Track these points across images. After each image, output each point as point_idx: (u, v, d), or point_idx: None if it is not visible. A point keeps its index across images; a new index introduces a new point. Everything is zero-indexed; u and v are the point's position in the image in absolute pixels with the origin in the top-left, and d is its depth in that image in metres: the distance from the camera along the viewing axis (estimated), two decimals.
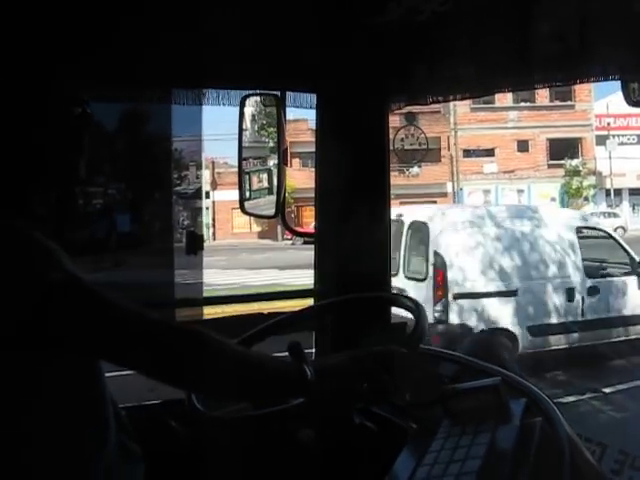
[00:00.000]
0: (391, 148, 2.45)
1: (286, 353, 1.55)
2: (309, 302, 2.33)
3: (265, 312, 2.27)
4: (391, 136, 2.47)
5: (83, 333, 1.30)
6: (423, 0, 1.86)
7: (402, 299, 1.89)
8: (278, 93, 2.32)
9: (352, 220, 2.34)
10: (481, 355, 1.86)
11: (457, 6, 1.90)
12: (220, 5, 2.07)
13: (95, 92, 1.97)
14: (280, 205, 2.36)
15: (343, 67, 2.23)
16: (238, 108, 2.31)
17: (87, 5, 1.81)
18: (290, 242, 22.50)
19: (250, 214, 2.46)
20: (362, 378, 1.46)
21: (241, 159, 2.47)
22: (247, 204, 2.45)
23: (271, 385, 1.44)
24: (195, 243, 2.19)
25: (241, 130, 2.44)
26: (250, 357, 1.44)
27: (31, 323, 1.25)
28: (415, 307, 1.77)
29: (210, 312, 2.46)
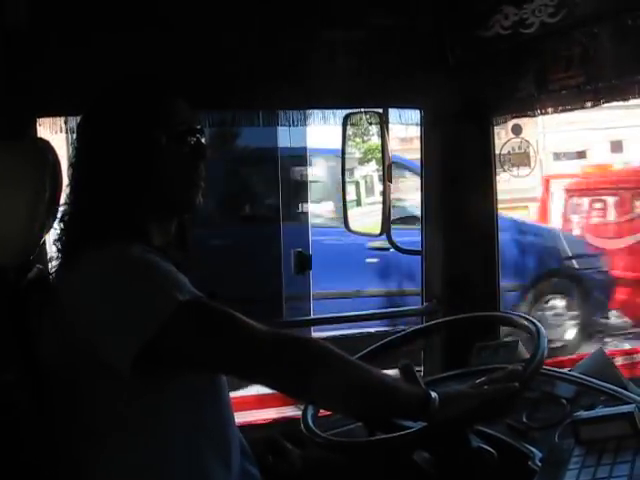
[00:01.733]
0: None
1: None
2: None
3: (372, 330, 2.28)
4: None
5: (213, 350, 1.32)
6: (531, 12, 1.82)
7: (518, 318, 1.82)
8: (380, 110, 2.32)
9: (459, 236, 2.32)
10: (599, 376, 1.79)
11: (567, 17, 1.85)
12: (325, 27, 2.09)
13: (206, 118, 2.03)
14: (386, 223, 2.35)
15: (448, 82, 2.21)
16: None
17: (199, 36, 1.87)
18: None
19: (355, 232, 2.46)
20: (486, 406, 1.43)
21: (344, 178, 2.47)
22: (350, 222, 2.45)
23: (395, 406, 1.42)
24: (303, 263, 2.19)
25: (344, 148, 2.44)
26: (376, 376, 1.41)
27: (161, 343, 1.27)
28: (534, 328, 1.71)
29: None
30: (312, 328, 2.50)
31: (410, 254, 2.47)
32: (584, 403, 1.68)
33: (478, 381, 1.50)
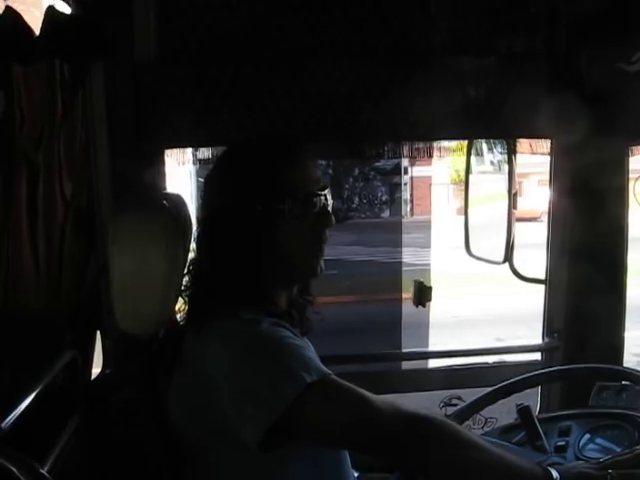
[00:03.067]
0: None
1: None
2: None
3: (491, 362, 2.24)
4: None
5: (339, 429, 1.34)
6: None
7: None
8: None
9: (586, 269, 2.23)
10: None
11: None
12: (454, 53, 2.04)
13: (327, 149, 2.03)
14: (509, 250, 2.30)
15: (582, 111, 2.11)
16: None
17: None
18: None
19: (477, 258, 2.41)
20: None
21: (467, 200, 2.43)
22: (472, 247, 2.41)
23: None
24: (424, 294, 2.17)
25: (468, 172, 2.40)
26: (498, 457, 1.38)
27: (288, 422, 1.30)
28: None
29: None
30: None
31: (533, 282, 2.40)
32: None
33: (603, 460, 1.43)
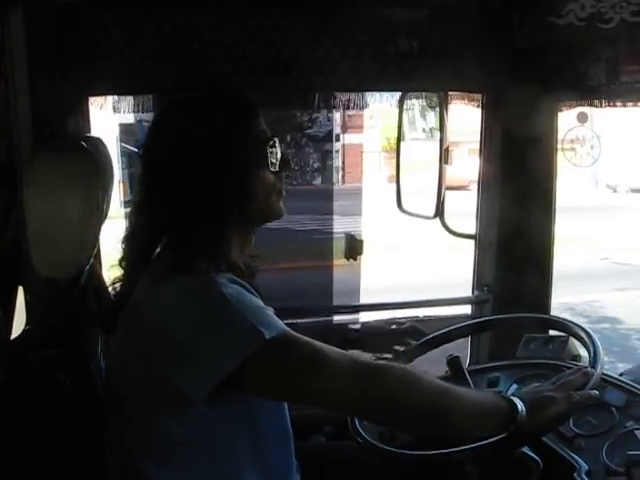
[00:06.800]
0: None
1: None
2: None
3: (421, 316, 2.26)
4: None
5: (295, 385, 1.34)
6: (611, 7, 1.72)
7: (571, 326, 1.78)
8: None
9: (515, 224, 2.26)
10: None
11: None
12: (386, 6, 2.01)
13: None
14: (440, 206, 2.31)
15: (514, 66, 2.12)
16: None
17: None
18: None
19: (409, 213, 2.41)
20: (572, 409, 1.42)
21: (399, 157, 2.42)
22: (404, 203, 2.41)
23: (481, 421, 1.40)
24: (355, 248, 2.17)
25: (400, 128, 2.39)
26: (460, 396, 1.40)
27: (240, 377, 1.29)
28: (588, 339, 1.66)
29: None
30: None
31: (463, 237, 2.42)
32: (634, 414, 1.65)
33: (554, 381, 1.48)
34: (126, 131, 7.57)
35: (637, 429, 1.60)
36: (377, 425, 1.58)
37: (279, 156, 1.51)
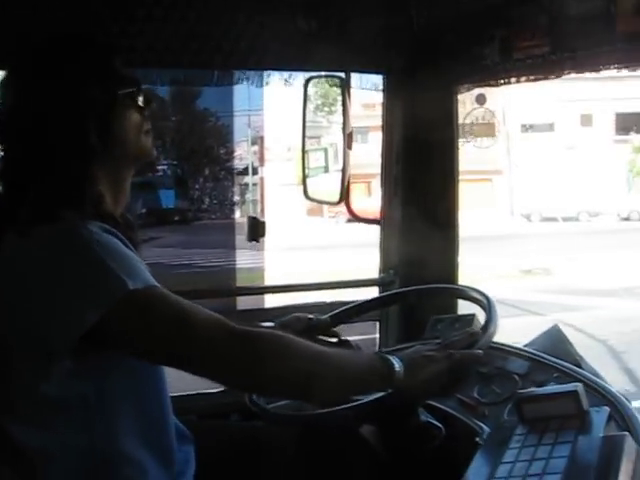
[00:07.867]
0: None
1: None
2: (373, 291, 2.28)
3: (327, 301, 2.23)
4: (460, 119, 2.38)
5: (159, 341, 1.28)
6: None
7: (470, 292, 1.79)
8: (343, 75, 2.24)
9: (419, 207, 2.27)
10: (553, 352, 1.76)
11: None
12: None
13: (155, 75, 1.95)
14: (344, 191, 2.29)
15: (412, 48, 2.15)
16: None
17: None
18: (334, 219, 21.66)
19: (313, 200, 2.40)
20: (453, 369, 1.40)
21: (304, 142, 2.41)
22: (310, 189, 2.39)
23: (358, 382, 1.39)
24: (257, 230, 2.13)
25: (305, 112, 2.37)
26: (331, 355, 1.38)
27: (104, 329, 1.24)
28: (485, 300, 1.68)
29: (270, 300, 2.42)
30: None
31: (368, 223, 2.42)
32: (536, 379, 1.67)
33: (437, 342, 1.49)
34: None
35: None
36: (245, 392, 1.56)
37: (144, 96, 1.46)
